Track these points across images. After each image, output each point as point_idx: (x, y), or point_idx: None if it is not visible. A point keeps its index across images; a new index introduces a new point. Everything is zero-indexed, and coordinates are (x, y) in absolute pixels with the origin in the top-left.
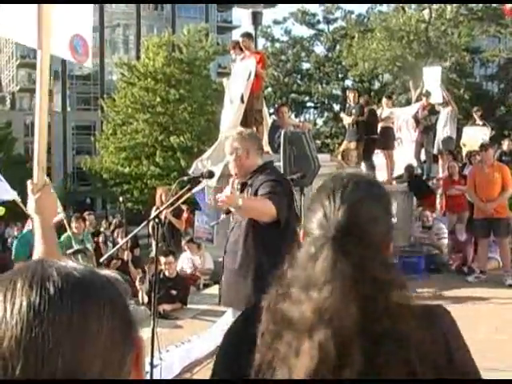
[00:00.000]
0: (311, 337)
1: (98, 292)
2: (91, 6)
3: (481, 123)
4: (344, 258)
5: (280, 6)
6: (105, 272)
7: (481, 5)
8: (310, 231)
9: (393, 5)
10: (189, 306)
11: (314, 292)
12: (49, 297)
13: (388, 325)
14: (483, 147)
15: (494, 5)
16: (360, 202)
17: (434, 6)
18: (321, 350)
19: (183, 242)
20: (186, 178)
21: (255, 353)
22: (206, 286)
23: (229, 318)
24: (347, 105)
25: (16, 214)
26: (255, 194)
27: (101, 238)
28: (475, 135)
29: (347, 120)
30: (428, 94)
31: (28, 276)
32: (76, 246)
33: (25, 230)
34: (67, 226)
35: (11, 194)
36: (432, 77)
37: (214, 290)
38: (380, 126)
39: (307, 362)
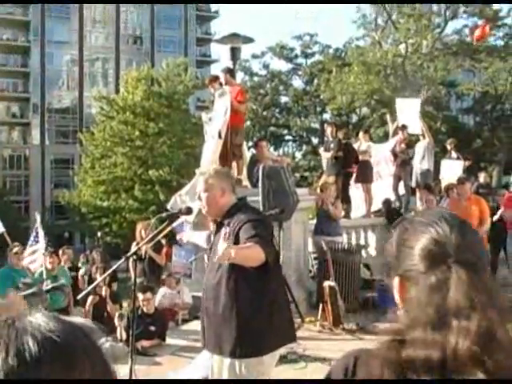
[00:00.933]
0: (479, 367)
1: (77, 355)
2: None
3: (455, 156)
4: (477, 280)
5: (258, 40)
6: (79, 322)
7: (455, 40)
8: (411, 268)
9: (369, 40)
10: (167, 341)
11: (458, 321)
12: (27, 367)
13: (504, 357)
14: (460, 181)
15: (468, 40)
16: (464, 225)
17: (410, 41)
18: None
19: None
20: (164, 214)
21: None
22: (184, 321)
23: (205, 357)
24: (325, 138)
25: None
26: (236, 234)
27: (80, 273)
28: (451, 168)
29: (326, 155)
30: (404, 128)
31: (2, 346)
32: (48, 283)
33: (3, 268)
34: (42, 261)
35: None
36: (410, 108)
37: (193, 325)
38: (358, 159)
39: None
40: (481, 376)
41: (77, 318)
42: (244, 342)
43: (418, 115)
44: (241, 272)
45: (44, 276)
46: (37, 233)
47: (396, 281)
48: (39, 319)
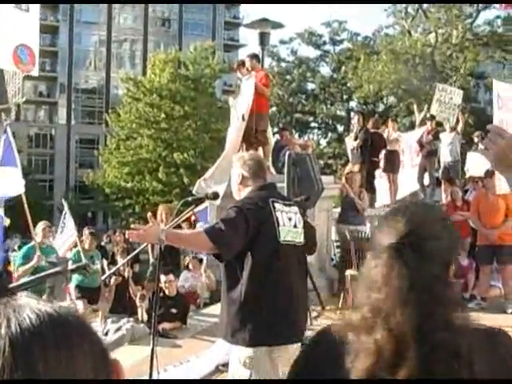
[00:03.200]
0: (369, 336)
1: (75, 325)
2: (37, 15)
3: (482, 148)
4: (401, 264)
5: (287, 26)
6: (65, 305)
7: (486, 30)
8: (375, 248)
9: (399, 28)
10: (188, 324)
11: (373, 294)
12: (31, 334)
13: (444, 337)
14: (488, 174)
15: (500, 31)
16: (421, 219)
17: (440, 31)
18: (377, 348)
19: (188, 259)
20: (190, 198)
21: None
22: (206, 304)
23: (222, 341)
24: (351, 127)
25: (16, 225)
26: None
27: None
28: (478, 161)
29: (352, 144)
30: (433, 118)
31: (2, 317)
32: (88, 262)
33: (28, 246)
34: (78, 241)
35: (19, 187)
36: (452, 98)
37: (214, 309)
38: (385, 148)
39: (364, 360)
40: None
41: (62, 303)
42: (229, 328)
43: (458, 107)
44: (229, 265)
45: (82, 255)
46: (64, 222)
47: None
48: (29, 299)
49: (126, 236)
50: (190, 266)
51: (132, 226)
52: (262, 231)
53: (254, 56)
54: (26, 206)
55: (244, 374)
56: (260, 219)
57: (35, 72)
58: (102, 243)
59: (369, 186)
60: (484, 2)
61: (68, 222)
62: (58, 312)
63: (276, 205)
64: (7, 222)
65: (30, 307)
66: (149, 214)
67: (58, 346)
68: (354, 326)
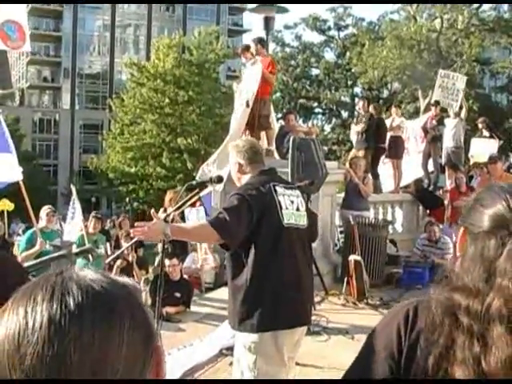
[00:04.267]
0: (504, 325)
1: (118, 306)
2: None
3: (487, 135)
4: None
5: (291, 11)
6: (123, 280)
7: (493, 16)
8: (477, 224)
9: (404, 13)
10: (192, 309)
11: (502, 281)
12: (70, 312)
13: None
14: (492, 159)
15: (506, 16)
16: None
17: (446, 16)
18: None
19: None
20: (194, 183)
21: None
22: (209, 289)
23: (226, 326)
24: (356, 113)
25: (20, 209)
26: None
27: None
28: (483, 147)
29: (356, 129)
30: (437, 104)
31: (48, 290)
32: (91, 246)
33: (31, 230)
34: (83, 226)
35: (16, 174)
36: (455, 84)
37: (218, 293)
38: (390, 135)
39: (504, 349)
40: (501, 330)
41: (121, 278)
42: (236, 316)
43: (461, 93)
44: (234, 251)
45: (85, 240)
46: (74, 207)
47: (461, 230)
48: (86, 272)
49: (131, 234)
50: (203, 249)
51: (136, 224)
52: (265, 216)
53: (259, 40)
54: (23, 191)
55: (249, 360)
56: (263, 204)
57: (27, 47)
58: (106, 227)
59: (372, 171)
60: (485, 2)
61: (77, 207)
62: (106, 290)
63: (277, 188)
64: (11, 206)
65: (77, 282)
66: (152, 211)
67: (95, 326)
68: (473, 315)
